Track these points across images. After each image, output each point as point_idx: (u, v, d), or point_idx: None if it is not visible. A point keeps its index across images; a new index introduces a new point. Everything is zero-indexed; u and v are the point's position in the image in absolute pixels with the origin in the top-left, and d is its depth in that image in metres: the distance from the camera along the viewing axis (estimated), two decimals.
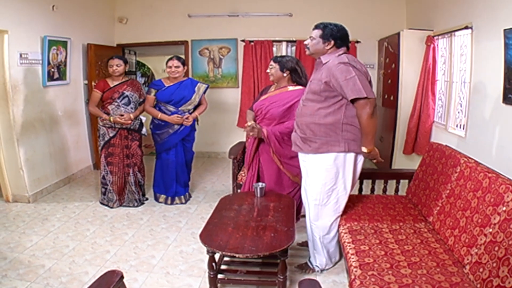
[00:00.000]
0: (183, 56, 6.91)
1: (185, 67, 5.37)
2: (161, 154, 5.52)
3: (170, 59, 5.28)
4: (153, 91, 5.32)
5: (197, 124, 5.65)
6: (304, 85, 4.32)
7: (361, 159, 3.57)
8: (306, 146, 3.51)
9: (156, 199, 5.69)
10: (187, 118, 5.30)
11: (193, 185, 6.17)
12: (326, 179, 3.45)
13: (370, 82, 3.33)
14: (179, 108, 5.31)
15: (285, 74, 4.36)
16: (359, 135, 3.35)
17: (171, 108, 5.29)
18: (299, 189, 4.36)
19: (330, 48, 3.42)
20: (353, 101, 3.22)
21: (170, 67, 5.22)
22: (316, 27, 3.48)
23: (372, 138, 3.29)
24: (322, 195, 3.49)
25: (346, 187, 3.52)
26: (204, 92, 5.48)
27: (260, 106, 4.47)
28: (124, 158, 5.42)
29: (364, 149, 3.33)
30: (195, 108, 5.48)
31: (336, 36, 3.39)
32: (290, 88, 4.38)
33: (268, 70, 4.51)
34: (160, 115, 5.25)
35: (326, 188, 3.47)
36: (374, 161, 3.48)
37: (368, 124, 3.21)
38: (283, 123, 4.32)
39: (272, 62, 4.46)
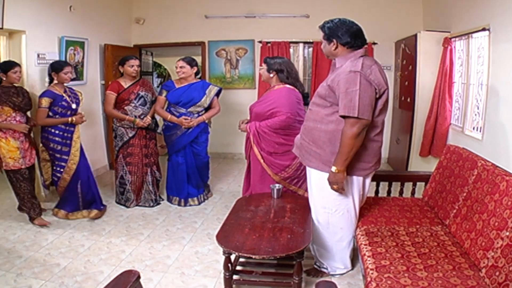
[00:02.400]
0: (199, 57, 6.92)
1: (194, 68, 5.33)
2: (172, 156, 5.55)
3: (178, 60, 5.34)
4: (164, 92, 5.36)
5: (210, 127, 5.64)
6: (292, 85, 4.45)
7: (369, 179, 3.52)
8: (305, 158, 3.45)
9: (170, 201, 5.71)
10: (190, 120, 5.28)
11: None
12: (331, 189, 3.29)
13: (385, 92, 3.09)
14: (188, 110, 5.33)
15: (271, 75, 4.48)
16: (360, 155, 3.18)
17: (181, 110, 5.32)
18: (285, 191, 4.39)
19: (335, 49, 3.15)
20: (343, 116, 3.01)
21: (176, 67, 5.28)
22: (319, 28, 3.26)
23: (346, 160, 3.06)
24: (330, 203, 3.39)
25: (355, 200, 3.41)
26: (217, 95, 5.49)
27: (251, 107, 4.66)
28: (143, 158, 5.48)
29: (333, 168, 3.11)
30: (206, 110, 5.48)
31: (336, 35, 3.10)
32: (276, 87, 4.48)
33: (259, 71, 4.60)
34: (170, 117, 5.29)
35: (332, 197, 3.35)
36: (335, 187, 3.19)
37: (349, 144, 2.99)
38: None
39: (262, 63, 4.60)
